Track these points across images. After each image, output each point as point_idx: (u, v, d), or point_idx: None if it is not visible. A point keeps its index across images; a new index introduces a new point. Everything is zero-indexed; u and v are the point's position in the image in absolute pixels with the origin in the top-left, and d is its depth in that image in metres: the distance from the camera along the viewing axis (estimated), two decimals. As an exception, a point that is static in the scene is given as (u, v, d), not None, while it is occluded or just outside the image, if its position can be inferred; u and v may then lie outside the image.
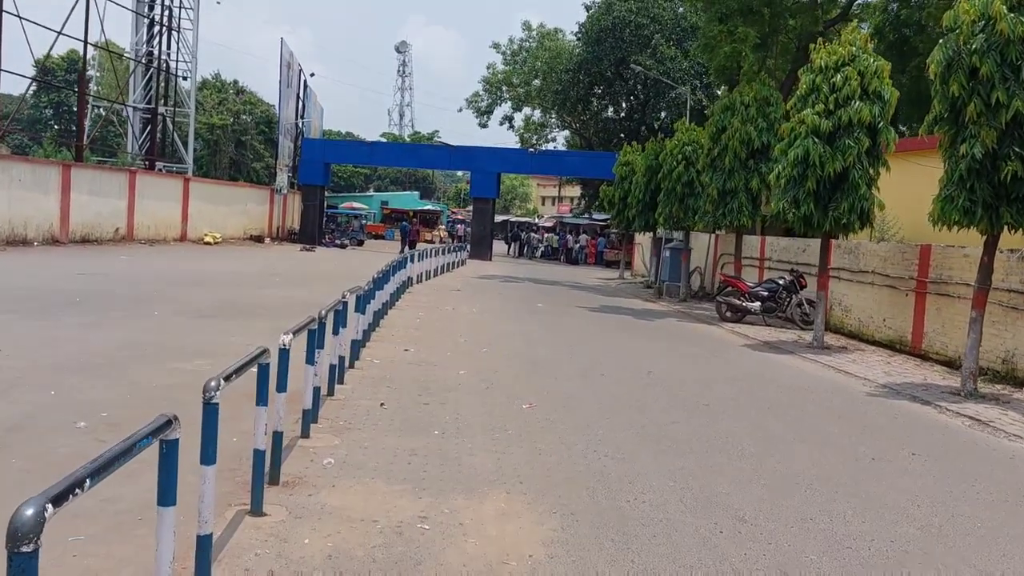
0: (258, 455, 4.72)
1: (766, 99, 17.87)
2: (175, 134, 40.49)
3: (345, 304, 8.46)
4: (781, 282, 17.29)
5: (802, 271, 17.37)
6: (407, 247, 37.21)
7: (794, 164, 13.31)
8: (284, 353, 5.29)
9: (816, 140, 13.18)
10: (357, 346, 10.00)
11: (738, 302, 17.42)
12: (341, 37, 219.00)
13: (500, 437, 6.83)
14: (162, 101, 40.10)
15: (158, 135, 40.57)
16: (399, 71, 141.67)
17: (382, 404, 7.71)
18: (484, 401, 8.22)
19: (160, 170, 38.14)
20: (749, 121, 17.59)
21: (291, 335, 5.35)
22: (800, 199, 13.30)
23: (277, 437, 5.38)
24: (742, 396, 9.46)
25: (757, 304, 17.26)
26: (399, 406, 7.73)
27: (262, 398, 4.74)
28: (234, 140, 70.21)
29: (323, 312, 6.84)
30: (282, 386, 5.33)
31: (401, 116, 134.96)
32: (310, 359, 6.28)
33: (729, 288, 17.81)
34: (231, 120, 70.38)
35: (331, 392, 7.91)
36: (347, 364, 9.29)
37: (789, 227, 18.75)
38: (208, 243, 34.58)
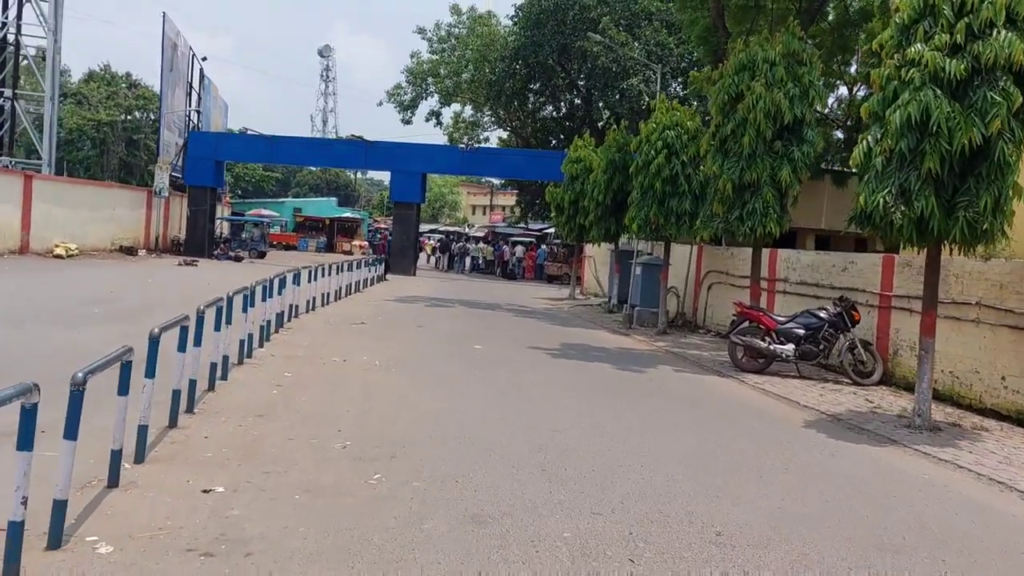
0: None
1: (797, 56, 12.68)
2: (19, 122, 33.32)
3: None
4: (823, 315, 12.08)
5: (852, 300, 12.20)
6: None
7: (901, 133, 8.06)
8: None
9: (937, 92, 7.97)
10: (59, 520, 4.18)
11: (763, 344, 12.12)
12: (264, 43, 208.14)
13: None
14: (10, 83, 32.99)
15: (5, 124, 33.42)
16: (322, 75, 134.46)
17: None
18: None
19: (6, 166, 31.08)
20: (776, 86, 12.33)
21: None
22: (913, 189, 8.05)
23: None
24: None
25: (790, 347, 12.00)
26: None
27: None
28: (125, 139, 62.46)
29: None
30: None
31: (324, 123, 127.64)
32: None
33: (747, 323, 12.50)
34: (122, 116, 62.68)
35: None
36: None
37: (767, 238, 13.43)
38: (59, 256, 27.67)
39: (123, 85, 64.64)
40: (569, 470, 6.27)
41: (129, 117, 63.30)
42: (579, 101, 42.57)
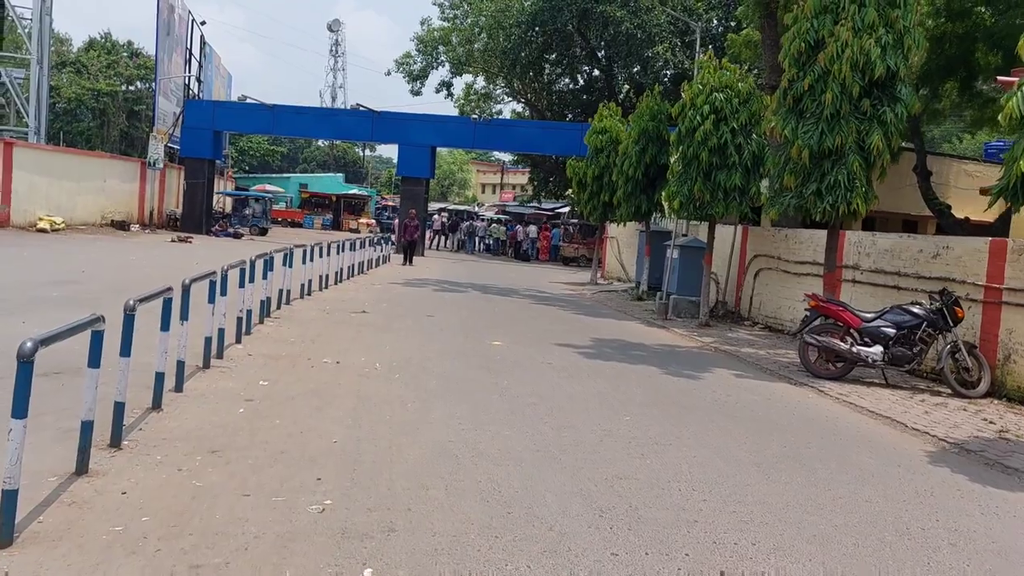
0: None
1: (889, -3, 10.47)
2: (11, 87, 31.30)
3: None
4: (918, 311, 9.99)
5: (955, 293, 10.09)
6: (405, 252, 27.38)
7: (1085, 73, 5.92)
8: None
9: None
10: None
11: (844, 346, 10.04)
12: (274, 16, 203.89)
13: None
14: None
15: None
16: (331, 51, 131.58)
17: None
18: None
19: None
20: (866, 31, 10.15)
21: None
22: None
23: None
24: None
25: (877, 350, 9.91)
26: None
27: None
28: (126, 110, 60.33)
29: None
30: None
31: (333, 98, 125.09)
32: None
33: (821, 320, 10.43)
34: (123, 87, 60.52)
35: None
36: None
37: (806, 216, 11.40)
38: (43, 230, 25.75)
39: (124, 54, 62.46)
40: (652, 553, 4.25)
41: (131, 87, 61.09)
42: (598, 72, 40.23)
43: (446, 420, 6.72)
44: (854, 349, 9.97)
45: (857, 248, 12.91)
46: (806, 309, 10.73)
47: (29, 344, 3.79)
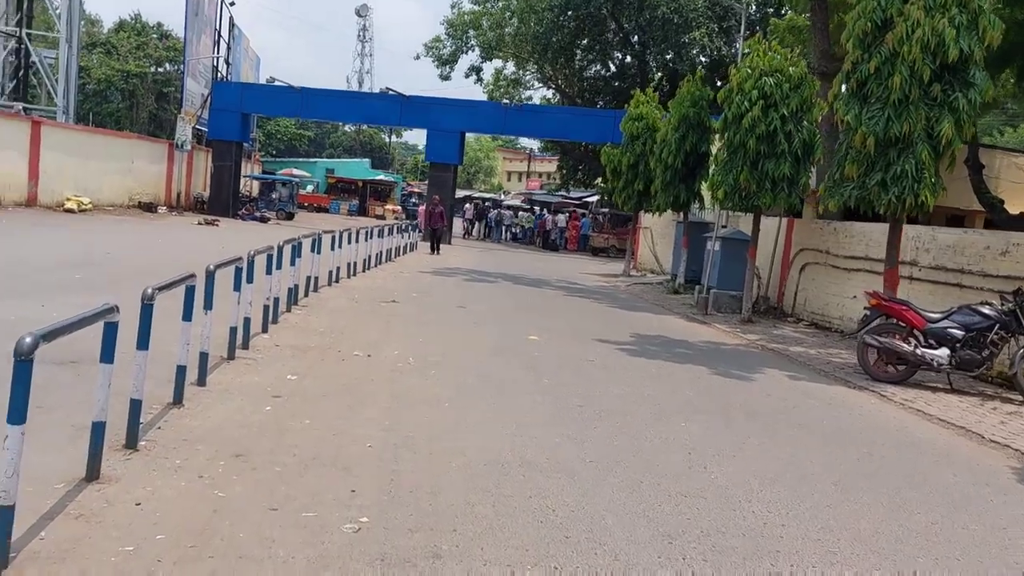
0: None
1: (964, -27, 9.71)
2: (41, 67, 31.15)
3: None
4: (989, 312, 9.30)
5: (1028, 293, 9.38)
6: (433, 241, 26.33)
7: None
8: None
9: None
10: None
11: (907, 347, 9.37)
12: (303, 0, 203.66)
13: None
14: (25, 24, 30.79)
15: (20, 68, 31.33)
16: (359, 36, 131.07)
17: None
18: None
19: (18, 111, 28.93)
20: (938, 11, 9.41)
21: None
22: None
23: None
24: None
25: (943, 352, 9.24)
26: None
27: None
28: (155, 92, 60.33)
29: None
30: None
31: (360, 84, 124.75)
32: None
33: (882, 319, 9.76)
34: (152, 68, 60.52)
35: None
36: None
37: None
38: (70, 210, 25.56)
39: (154, 36, 62.44)
40: (736, 594, 3.69)
41: (160, 69, 61.08)
42: (631, 58, 39.37)
43: (488, 423, 6.19)
44: (918, 351, 9.30)
45: (915, 243, 12.19)
46: (866, 308, 10.05)
47: (28, 340, 3.30)
